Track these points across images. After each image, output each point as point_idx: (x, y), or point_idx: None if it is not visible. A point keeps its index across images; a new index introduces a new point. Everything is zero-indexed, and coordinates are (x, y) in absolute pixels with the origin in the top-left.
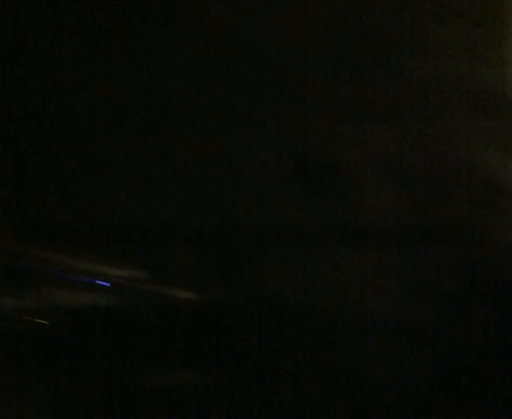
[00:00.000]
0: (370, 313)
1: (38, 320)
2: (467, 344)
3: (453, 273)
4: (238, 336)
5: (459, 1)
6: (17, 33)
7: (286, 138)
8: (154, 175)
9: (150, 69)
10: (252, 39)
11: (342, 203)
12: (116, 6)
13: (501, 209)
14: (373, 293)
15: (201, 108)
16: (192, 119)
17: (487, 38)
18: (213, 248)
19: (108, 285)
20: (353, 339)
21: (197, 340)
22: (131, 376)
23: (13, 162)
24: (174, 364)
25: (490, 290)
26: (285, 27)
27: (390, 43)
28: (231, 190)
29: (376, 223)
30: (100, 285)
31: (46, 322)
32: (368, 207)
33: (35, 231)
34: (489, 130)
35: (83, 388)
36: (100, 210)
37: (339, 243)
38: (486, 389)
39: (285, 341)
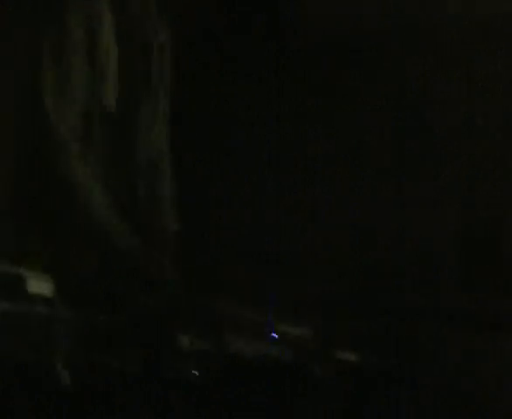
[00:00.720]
0: None
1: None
2: None
3: None
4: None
5: None
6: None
7: (451, 207)
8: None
9: None
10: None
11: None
12: None
13: None
14: None
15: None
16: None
17: None
18: (378, 319)
19: (276, 336)
20: None
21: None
22: None
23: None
24: None
25: None
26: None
27: None
28: (395, 263)
29: None
30: (270, 337)
31: (197, 373)
32: None
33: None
34: None
35: None
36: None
37: (501, 331)
38: None
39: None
